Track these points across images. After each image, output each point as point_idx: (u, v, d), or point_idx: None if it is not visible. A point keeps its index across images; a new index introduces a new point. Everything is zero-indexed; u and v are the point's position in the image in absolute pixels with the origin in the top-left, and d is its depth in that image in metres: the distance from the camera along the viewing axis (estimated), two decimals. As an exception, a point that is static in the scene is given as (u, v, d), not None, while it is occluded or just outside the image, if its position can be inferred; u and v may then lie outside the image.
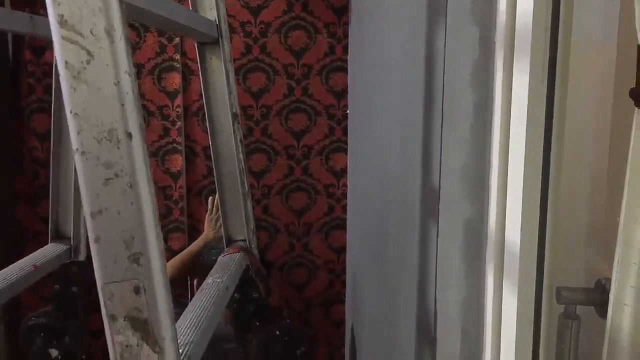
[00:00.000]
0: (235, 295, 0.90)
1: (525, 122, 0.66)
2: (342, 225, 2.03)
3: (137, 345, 0.44)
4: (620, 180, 0.57)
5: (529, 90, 0.64)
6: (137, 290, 0.43)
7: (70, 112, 0.42)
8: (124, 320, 0.44)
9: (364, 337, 1.53)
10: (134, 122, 0.42)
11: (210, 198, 1.74)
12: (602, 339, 0.60)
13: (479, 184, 0.72)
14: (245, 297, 0.89)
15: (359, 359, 1.52)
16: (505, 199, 0.72)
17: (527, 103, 0.64)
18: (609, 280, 0.62)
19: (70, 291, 0.90)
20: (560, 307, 0.78)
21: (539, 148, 0.68)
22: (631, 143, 0.55)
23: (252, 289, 0.89)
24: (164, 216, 1.94)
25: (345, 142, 1.97)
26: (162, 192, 1.92)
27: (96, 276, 0.44)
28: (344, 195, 2.02)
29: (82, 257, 0.88)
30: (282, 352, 0.90)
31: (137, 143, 0.43)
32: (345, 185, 2.01)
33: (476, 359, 0.75)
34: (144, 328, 0.44)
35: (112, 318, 0.44)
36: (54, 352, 0.92)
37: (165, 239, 1.95)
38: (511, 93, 0.67)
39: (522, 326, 0.73)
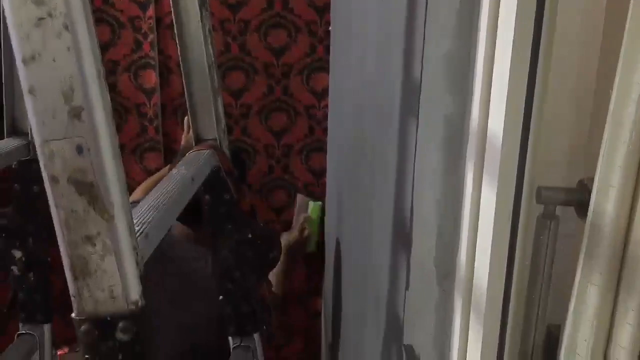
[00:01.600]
0: (207, 196, 0.87)
1: (515, 5, 0.61)
2: (322, 148, 1.99)
3: (84, 211, 0.40)
4: (612, 74, 0.54)
5: (521, -36, 0.58)
6: (79, 150, 0.39)
7: (-8, -64, 0.36)
8: (67, 182, 0.39)
9: (346, 249, 1.53)
10: (68, -50, 0.36)
11: (186, 118, 1.68)
12: (580, 240, 0.58)
13: (463, 74, 0.67)
14: (217, 199, 0.86)
15: (342, 270, 1.53)
16: (490, 92, 0.68)
17: (518, -21, 0.59)
18: (591, 180, 0.59)
19: (32, 191, 0.85)
20: (539, 208, 0.77)
21: (528, 36, 0.64)
22: (626, 29, 0.51)
23: (224, 190, 0.85)
24: (138, 135, 1.88)
25: (327, 62, 1.89)
26: (135, 109, 1.85)
27: (34, 134, 0.39)
28: (325, 117, 1.96)
29: (41, 154, 0.82)
30: (254, 255, 0.88)
31: (73, -23, 0.37)
32: (326, 106, 1.95)
33: (451, 258, 0.74)
34: (89, 192, 0.40)
35: (54, 180, 0.39)
36: (17, 254, 0.88)
37: (141, 159, 1.90)
38: (502, -31, 0.62)
39: (500, 225, 0.70)
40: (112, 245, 0.41)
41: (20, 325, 0.95)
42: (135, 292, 0.43)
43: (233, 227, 0.88)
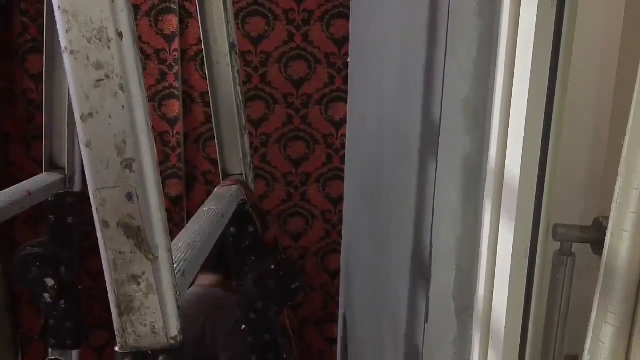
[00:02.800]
0: (232, 229, 0.90)
1: (531, 51, 0.65)
2: (339, 176, 2.03)
3: (131, 252, 0.44)
4: (625, 117, 0.56)
5: (537, 17, 0.62)
6: (129, 197, 0.42)
7: (59, 8, 0.40)
8: (117, 226, 0.43)
9: (359, 282, 1.54)
10: (124, 20, 0.41)
11: None
12: (596, 276, 0.60)
13: (481, 116, 0.70)
14: (242, 232, 0.89)
15: (352, 303, 1.55)
16: (507, 133, 0.71)
17: (534, 30, 0.62)
18: (606, 218, 0.61)
19: (65, 222, 0.89)
20: (556, 245, 0.78)
21: (544, 80, 0.67)
22: (637, 77, 0.53)
23: (248, 223, 0.89)
24: (161, 162, 1.93)
25: (345, 92, 1.94)
26: (159, 138, 1.91)
27: (88, 182, 0.43)
28: (343, 145, 2.00)
29: (76, 187, 0.87)
30: (277, 286, 0.91)
31: (128, 43, 0.41)
32: (344, 135, 1.99)
33: (469, 293, 0.76)
34: (137, 235, 0.43)
35: (105, 225, 0.43)
36: (50, 282, 0.92)
37: (163, 186, 1.95)
38: (519, 20, 0.65)
39: (517, 262, 0.73)
40: (155, 284, 0.44)
41: (50, 351, 0.98)
42: (174, 327, 0.46)
43: (257, 259, 0.91)
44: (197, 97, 1.92)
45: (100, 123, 0.41)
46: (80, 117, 0.41)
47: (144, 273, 0.44)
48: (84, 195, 0.85)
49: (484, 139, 0.71)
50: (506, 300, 0.73)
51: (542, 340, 0.81)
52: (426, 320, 0.79)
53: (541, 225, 0.72)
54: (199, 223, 0.64)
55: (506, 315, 0.74)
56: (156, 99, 1.88)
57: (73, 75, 0.41)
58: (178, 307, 0.47)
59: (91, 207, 0.43)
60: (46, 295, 0.94)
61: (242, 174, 0.87)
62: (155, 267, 0.44)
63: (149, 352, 0.45)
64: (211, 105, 0.85)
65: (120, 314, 0.45)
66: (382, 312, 1.15)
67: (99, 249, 0.45)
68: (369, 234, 1.37)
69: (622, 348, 0.54)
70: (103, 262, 0.45)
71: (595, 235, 0.70)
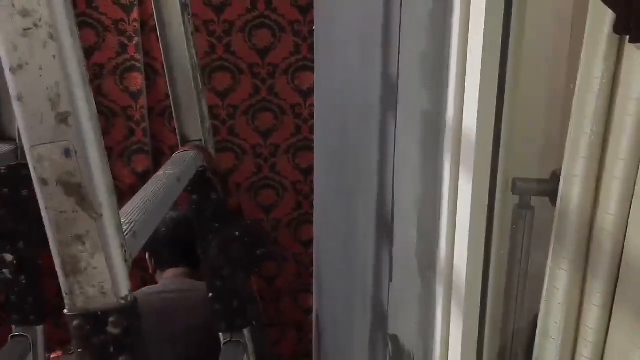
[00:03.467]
0: (194, 196, 0.89)
1: (484, 2, 0.64)
2: (309, 146, 2.01)
3: (73, 211, 0.42)
4: (576, 66, 0.56)
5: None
6: (67, 153, 0.41)
7: (-22, -48, 0.37)
8: (56, 184, 0.41)
9: (330, 251, 1.55)
10: (51, -36, 0.38)
11: None
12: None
13: (438, 70, 0.70)
14: (203, 199, 0.88)
15: (323, 274, 1.56)
16: (464, 87, 0.70)
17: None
18: (563, 170, 0.62)
19: (20, 194, 0.86)
20: (515, 199, 0.79)
21: (498, 32, 0.66)
22: (587, 23, 0.53)
23: (210, 190, 0.87)
24: (126, 138, 1.89)
25: (312, 61, 1.91)
26: (122, 112, 1.86)
27: (22, 139, 0.41)
28: (311, 115, 1.98)
29: (29, 158, 0.84)
30: (242, 252, 0.90)
31: (56, -11, 0.39)
32: (312, 105, 1.97)
33: (432, 251, 0.77)
34: (77, 193, 0.42)
35: (43, 183, 0.41)
36: (8, 257, 0.90)
37: (129, 161, 1.91)
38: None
39: (477, 216, 0.73)
40: (101, 244, 0.43)
41: (13, 327, 0.96)
42: (124, 287, 0.45)
43: (221, 226, 0.90)
44: (160, 70, 1.86)
45: (30, 75, 0.39)
46: (10, 70, 0.39)
47: (88, 232, 0.43)
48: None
49: (442, 93, 0.71)
50: (466, 256, 0.74)
51: (503, 294, 0.83)
52: (390, 279, 0.80)
53: (499, 179, 0.73)
54: (153, 187, 0.63)
55: (466, 270, 0.74)
56: (117, 72, 1.82)
57: (-2, 25, 0.38)
58: (129, 268, 0.46)
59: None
60: (5, 271, 0.92)
61: (201, 140, 0.85)
62: (99, 225, 0.43)
63: (99, 313, 0.44)
64: (165, 69, 0.82)
65: (67, 276, 0.44)
66: (353, 277, 1.16)
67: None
68: (338, 201, 1.37)
69: (576, 292, 0.55)
70: (45, 222, 0.43)
71: (553, 187, 0.71)
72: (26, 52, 0.39)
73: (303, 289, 2.17)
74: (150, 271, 1.64)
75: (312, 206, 2.08)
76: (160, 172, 0.70)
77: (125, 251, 0.45)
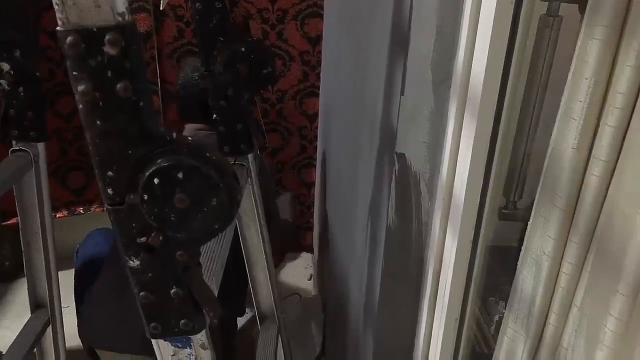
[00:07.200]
0: (197, 5, 0.83)
1: None
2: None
3: None
4: None
5: None
6: None
7: None
8: None
9: (337, 105, 1.50)
10: None
11: None
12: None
13: None
14: (208, 8, 0.82)
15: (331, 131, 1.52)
16: None
17: None
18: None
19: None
20: (542, 6, 0.74)
21: None
22: None
23: (215, -3, 0.82)
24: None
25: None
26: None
27: None
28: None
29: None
30: (248, 70, 0.86)
31: None
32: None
33: (449, 63, 0.72)
34: None
35: None
36: (5, 66, 0.86)
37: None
38: None
39: (499, 23, 0.68)
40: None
41: (14, 142, 0.94)
42: (121, 3, 0.41)
43: (226, 40, 0.85)
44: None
45: None
46: None
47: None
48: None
49: None
50: (485, 63, 0.70)
51: (518, 112, 0.80)
52: (402, 92, 0.76)
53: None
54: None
55: (484, 79, 0.70)
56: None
57: None
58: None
59: None
60: (2, 81, 0.88)
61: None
62: None
63: (94, 29, 0.41)
64: None
65: None
66: (363, 96, 1.10)
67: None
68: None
69: (607, 64, 0.51)
70: None
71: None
72: None
73: (306, 163, 2.18)
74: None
75: (318, 78, 2.05)
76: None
77: None
